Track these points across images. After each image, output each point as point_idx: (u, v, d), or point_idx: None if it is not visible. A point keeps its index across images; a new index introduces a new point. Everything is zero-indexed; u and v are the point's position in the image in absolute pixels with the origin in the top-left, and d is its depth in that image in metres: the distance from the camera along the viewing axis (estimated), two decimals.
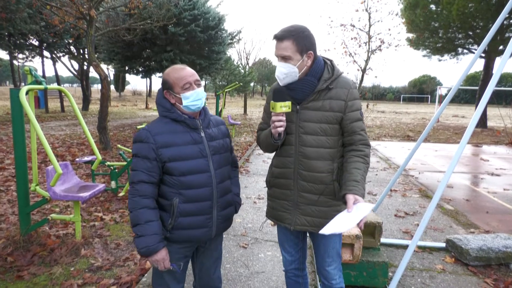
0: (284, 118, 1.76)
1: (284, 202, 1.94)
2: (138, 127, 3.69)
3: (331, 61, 1.89)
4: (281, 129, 1.75)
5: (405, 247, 3.70)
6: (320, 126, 1.81)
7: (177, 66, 1.79)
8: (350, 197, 1.67)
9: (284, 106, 1.71)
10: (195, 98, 1.73)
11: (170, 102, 1.77)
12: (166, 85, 1.75)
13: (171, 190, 1.73)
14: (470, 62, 3.18)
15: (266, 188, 2.11)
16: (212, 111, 20.72)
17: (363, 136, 1.82)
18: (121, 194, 5.19)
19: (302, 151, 1.84)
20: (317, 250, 2.02)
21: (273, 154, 2.05)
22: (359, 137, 1.82)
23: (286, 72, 1.76)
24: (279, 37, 1.74)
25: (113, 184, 5.15)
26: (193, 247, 1.89)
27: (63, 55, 21.64)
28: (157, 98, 1.82)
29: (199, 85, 1.76)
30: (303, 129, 1.83)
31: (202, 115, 1.83)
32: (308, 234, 2.10)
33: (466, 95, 64.79)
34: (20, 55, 20.82)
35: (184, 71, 1.73)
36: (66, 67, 21.87)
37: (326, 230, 1.60)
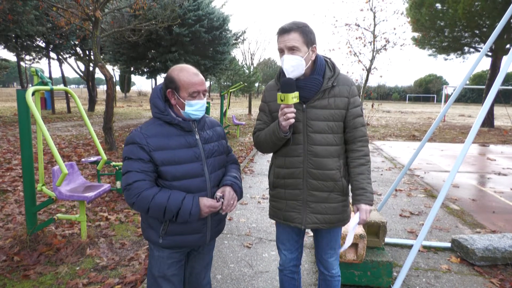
0: (294, 110, 1.76)
1: (293, 202, 1.94)
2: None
3: (329, 59, 1.92)
4: (293, 121, 1.75)
5: (410, 246, 3.68)
6: (328, 124, 1.84)
7: (189, 68, 1.67)
8: (363, 208, 1.86)
9: (295, 97, 1.71)
10: (198, 108, 1.67)
11: (170, 102, 1.69)
12: (172, 85, 1.65)
13: None
14: (475, 60, 3.16)
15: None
16: (217, 112, 20.74)
17: (363, 132, 1.89)
18: None
19: (311, 150, 1.85)
20: (319, 242, 2.05)
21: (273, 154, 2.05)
22: (360, 133, 1.88)
23: (294, 65, 1.74)
24: (286, 29, 1.74)
25: (118, 184, 5.18)
26: (186, 251, 1.84)
27: (70, 57, 21.87)
28: (151, 97, 1.72)
29: (205, 96, 1.71)
30: (312, 128, 1.84)
31: None
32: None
33: (473, 95, 64.29)
34: (27, 57, 21.06)
35: (197, 78, 1.65)
36: (72, 68, 22.10)
37: (346, 245, 1.93)
